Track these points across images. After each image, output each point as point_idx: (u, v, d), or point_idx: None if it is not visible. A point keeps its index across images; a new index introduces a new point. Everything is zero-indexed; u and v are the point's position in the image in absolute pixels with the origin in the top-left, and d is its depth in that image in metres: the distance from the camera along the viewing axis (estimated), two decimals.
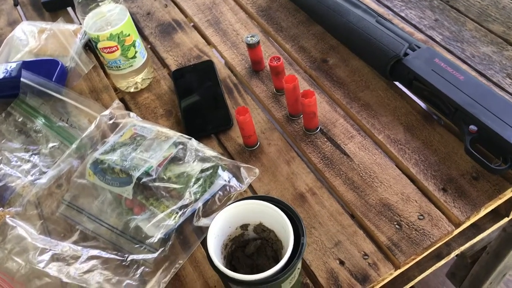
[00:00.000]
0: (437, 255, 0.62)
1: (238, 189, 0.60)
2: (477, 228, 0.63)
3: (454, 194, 0.57)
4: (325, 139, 0.65)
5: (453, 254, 0.63)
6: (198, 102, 0.72)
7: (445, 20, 0.78)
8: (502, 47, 0.73)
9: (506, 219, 0.64)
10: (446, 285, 1.20)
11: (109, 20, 0.68)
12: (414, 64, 0.64)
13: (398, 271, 0.54)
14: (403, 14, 0.81)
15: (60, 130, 0.72)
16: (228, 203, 0.50)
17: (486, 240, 0.96)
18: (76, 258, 0.57)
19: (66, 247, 0.58)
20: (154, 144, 0.63)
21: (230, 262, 0.50)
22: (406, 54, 0.66)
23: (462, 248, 0.63)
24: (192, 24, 0.87)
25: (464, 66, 0.71)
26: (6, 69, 0.77)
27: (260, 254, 0.51)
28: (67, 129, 0.72)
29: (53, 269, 0.55)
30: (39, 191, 0.64)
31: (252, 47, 0.71)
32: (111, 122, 0.68)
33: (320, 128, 0.66)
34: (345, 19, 0.72)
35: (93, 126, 0.68)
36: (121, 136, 0.65)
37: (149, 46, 0.84)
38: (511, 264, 0.99)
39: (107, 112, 0.69)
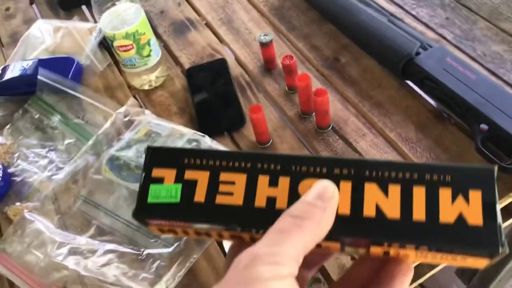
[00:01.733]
0: None
1: None
2: None
3: None
4: (337, 137, 0.66)
5: None
6: (211, 100, 0.73)
7: (456, 19, 0.78)
8: None
9: None
10: (456, 283, 1.21)
11: (124, 18, 0.69)
12: (426, 63, 0.65)
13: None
14: (414, 13, 0.81)
15: (76, 127, 0.73)
16: None
17: None
18: (93, 252, 0.58)
19: (83, 241, 0.59)
20: (169, 141, 0.64)
21: None
22: (418, 53, 0.66)
23: None
24: (205, 22, 0.88)
25: (475, 65, 0.71)
26: (23, 66, 0.79)
27: None
28: (83, 126, 0.73)
29: (71, 262, 0.56)
30: (56, 186, 0.66)
31: (265, 45, 0.72)
32: (126, 119, 0.69)
33: (332, 126, 0.67)
34: (358, 18, 0.73)
35: (108, 123, 0.69)
36: (136, 133, 0.66)
37: (162, 44, 0.85)
38: None
39: (122, 109, 0.70)
